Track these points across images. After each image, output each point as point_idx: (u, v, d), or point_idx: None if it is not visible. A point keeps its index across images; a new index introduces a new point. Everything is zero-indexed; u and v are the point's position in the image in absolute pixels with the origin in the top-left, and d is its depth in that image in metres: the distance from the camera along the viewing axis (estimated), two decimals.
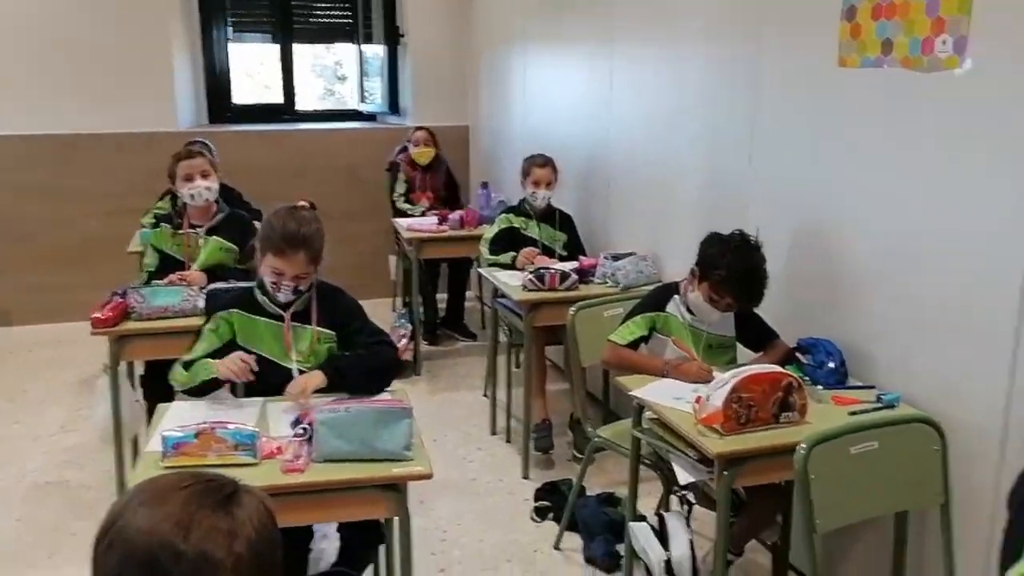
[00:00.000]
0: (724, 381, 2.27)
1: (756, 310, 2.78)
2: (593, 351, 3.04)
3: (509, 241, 4.14)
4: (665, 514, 2.43)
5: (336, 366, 2.44)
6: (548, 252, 4.14)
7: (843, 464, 2.04)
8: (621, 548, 2.80)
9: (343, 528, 2.35)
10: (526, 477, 3.68)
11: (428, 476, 2.05)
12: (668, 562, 2.28)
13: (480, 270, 4.20)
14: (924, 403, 2.37)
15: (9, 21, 5.46)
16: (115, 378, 3.21)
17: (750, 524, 2.72)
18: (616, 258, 3.78)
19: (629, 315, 2.87)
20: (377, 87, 6.72)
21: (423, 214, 5.22)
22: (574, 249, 4.20)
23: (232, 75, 6.57)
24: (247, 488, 1.04)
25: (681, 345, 2.78)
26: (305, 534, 2.30)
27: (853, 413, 2.35)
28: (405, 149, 5.57)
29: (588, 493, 3.34)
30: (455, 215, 4.89)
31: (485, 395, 4.40)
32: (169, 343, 3.00)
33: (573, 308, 3.17)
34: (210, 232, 3.60)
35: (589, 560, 3.03)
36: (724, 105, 3.27)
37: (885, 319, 2.55)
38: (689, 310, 2.80)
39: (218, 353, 2.48)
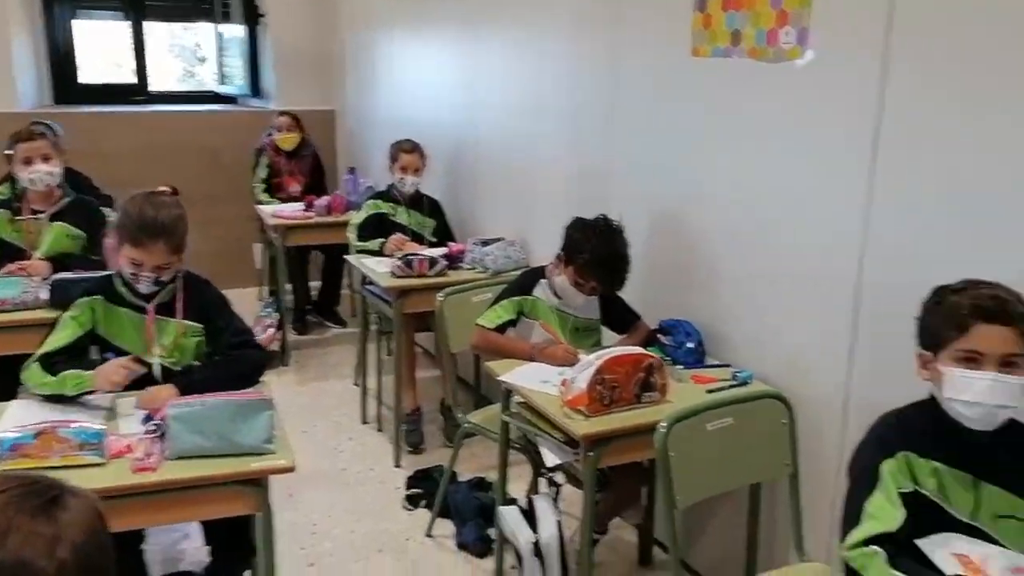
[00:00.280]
0: (588, 364, 2.31)
1: (620, 293, 2.85)
2: (463, 337, 3.04)
3: (377, 227, 4.07)
4: (534, 497, 2.46)
5: (191, 380, 2.26)
6: (417, 238, 4.10)
7: (701, 440, 2.12)
8: (493, 532, 2.82)
9: (210, 534, 2.26)
10: (398, 465, 3.65)
11: (290, 469, 1.99)
12: (536, 544, 2.30)
13: (348, 257, 4.11)
14: (775, 379, 2.49)
15: None
16: None
17: (615, 502, 2.79)
18: (485, 243, 3.79)
19: (497, 299, 2.88)
20: (238, 69, 6.46)
21: (286, 201, 5.07)
22: (443, 235, 4.18)
23: (80, 53, 6.17)
24: (74, 490, 0.98)
25: (548, 328, 2.81)
26: (133, 536, 2.18)
27: (711, 391, 2.44)
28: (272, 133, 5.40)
29: (460, 479, 3.35)
30: (322, 201, 4.78)
31: (356, 384, 4.33)
32: (8, 338, 2.80)
33: (442, 294, 3.16)
34: (54, 218, 3.37)
35: (461, 546, 3.04)
36: (586, 92, 3.32)
37: (738, 300, 2.67)
38: (556, 294, 2.83)
39: (78, 343, 2.31)
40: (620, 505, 2.82)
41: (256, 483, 2.01)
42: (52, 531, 0.92)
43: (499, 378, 2.58)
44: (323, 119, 6.13)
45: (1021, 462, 1.66)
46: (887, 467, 1.66)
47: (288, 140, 5.25)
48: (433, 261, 3.64)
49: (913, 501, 1.65)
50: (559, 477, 2.62)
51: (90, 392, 2.22)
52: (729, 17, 2.51)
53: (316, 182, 5.39)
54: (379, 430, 4.01)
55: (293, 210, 4.80)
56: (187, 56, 9.41)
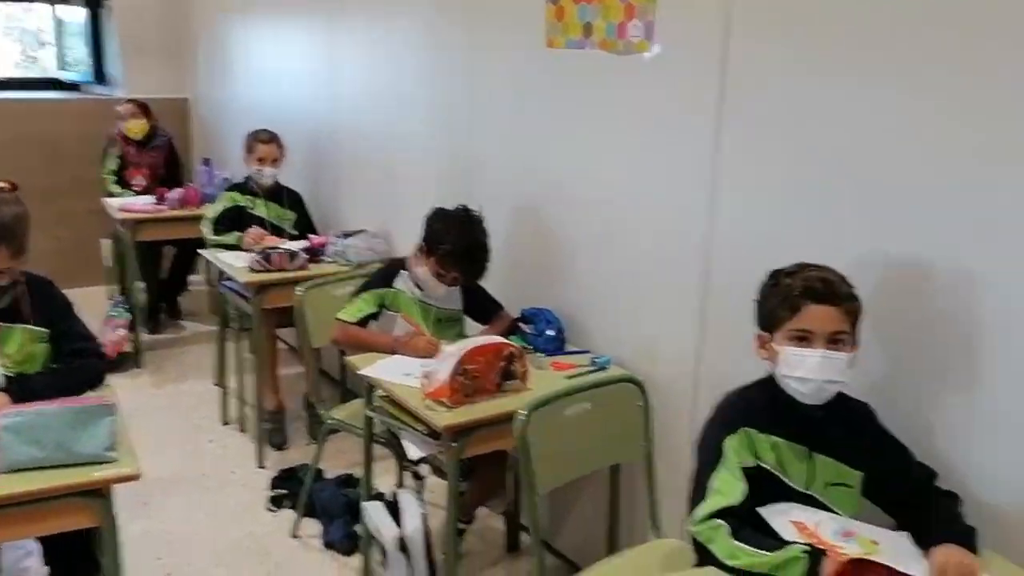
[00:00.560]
0: (450, 355, 2.31)
1: (482, 283, 2.86)
2: (325, 331, 2.97)
3: (234, 220, 3.93)
4: (398, 491, 2.44)
5: (25, 388, 2.10)
6: (277, 232, 3.98)
7: (560, 426, 2.16)
8: (361, 529, 2.79)
9: (50, 550, 2.12)
10: (262, 466, 3.55)
11: (134, 477, 1.89)
12: (401, 538, 2.29)
13: (203, 252, 3.95)
14: (631, 364, 2.57)
15: None
16: None
17: (480, 491, 2.81)
18: (347, 236, 3.73)
19: (357, 292, 2.84)
20: (81, 54, 6.08)
21: (139, 193, 4.82)
22: (304, 228, 4.07)
23: None
24: None
25: (410, 320, 2.79)
26: None
27: (570, 377, 2.49)
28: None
29: (327, 476, 3.29)
30: (174, 194, 4.57)
31: (216, 384, 4.17)
32: None
33: (301, 288, 3.08)
34: None
35: (328, 545, 2.99)
36: (445, 83, 3.31)
37: (596, 288, 2.73)
38: (417, 285, 2.82)
39: None
40: (486, 494, 2.84)
41: (98, 494, 1.91)
42: None
43: (360, 372, 2.54)
44: (175, 108, 5.86)
45: (849, 434, 1.78)
46: (730, 443, 1.74)
47: (135, 129, 4.97)
48: (293, 255, 3.55)
49: (755, 474, 1.73)
50: (424, 470, 2.62)
51: None
52: (581, 9, 2.56)
53: (171, 174, 5.15)
54: (242, 431, 3.88)
55: (144, 203, 4.57)
56: (28, 39, 8.77)
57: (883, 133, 1.86)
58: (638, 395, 2.34)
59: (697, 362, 2.36)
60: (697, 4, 2.24)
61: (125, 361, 4.44)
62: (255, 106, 4.94)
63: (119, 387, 2.29)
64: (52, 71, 6.62)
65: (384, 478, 3.03)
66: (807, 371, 1.69)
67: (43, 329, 2.24)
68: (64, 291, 2.34)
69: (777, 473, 1.76)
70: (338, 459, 3.41)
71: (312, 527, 3.10)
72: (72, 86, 6.22)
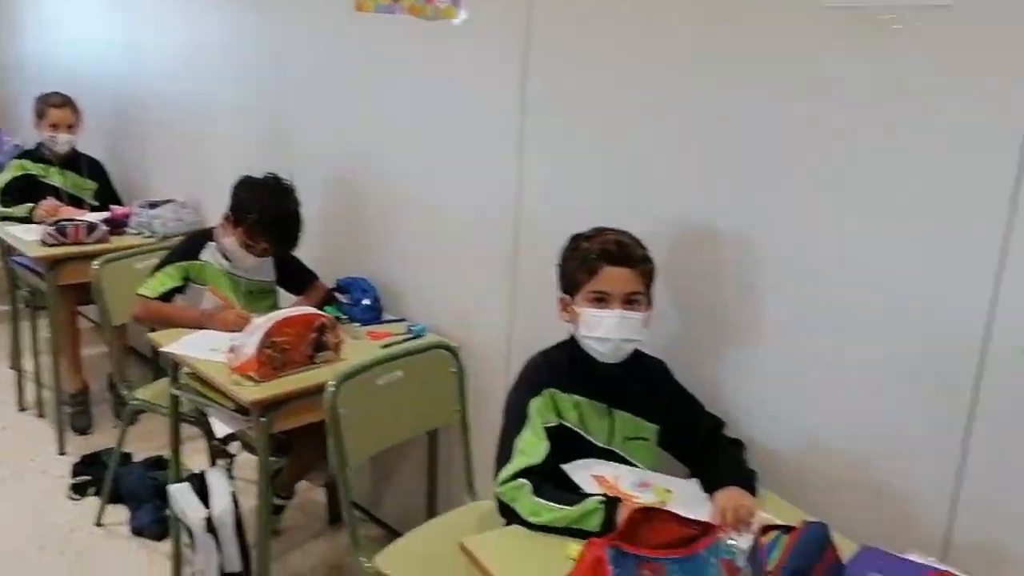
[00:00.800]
0: (256, 328, 2.24)
1: (295, 253, 2.78)
2: (127, 307, 2.80)
3: (26, 191, 3.62)
4: (206, 471, 2.35)
5: None
6: (75, 202, 3.71)
7: (371, 396, 2.13)
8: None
9: None
10: (63, 452, 3.33)
11: None
12: (209, 519, 2.20)
13: None
14: (447, 330, 2.58)
15: None
16: None
17: (298, 465, 2.76)
18: (153, 206, 3.53)
19: (159, 266, 2.69)
20: None
21: None
22: (106, 198, 3.81)
23: None
24: None
25: (218, 294, 2.68)
26: None
27: (385, 346, 2.47)
28: None
29: (135, 460, 3.13)
30: None
31: (11, 367, 3.85)
32: None
33: (97, 262, 2.89)
34: None
35: (136, 531, 2.85)
36: (255, 48, 3.17)
37: (411, 256, 2.72)
38: (225, 256, 2.70)
39: None
40: (304, 467, 2.78)
41: None
42: None
43: (163, 349, 2.42)
44: None
45: (645, 390, 1.86)
46: (534, 405, 1.78)
47: None
48: (92, 227, 3.32)
49: (558, 433, 1.78)
50: (233, 447, 2.53)
51: None
52: None
53: None
54: (40, 416, 3.62)
55: None
56: None
57: (677, 104, 1.94)
58: (452, 361, 2.35)
59: (510, 327, 2.40)
60: None
61: None
62: (52, 68, 4.56)
63: None
64: None
65: (196, 459, 2.91)
66: (605, 331, 1.75)
67: None
68: None
69: (579, 430, 1.82)
70: (146, 441, 3.24)
71: (119, 514, 2.94)
72: None
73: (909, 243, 1.59)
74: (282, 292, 2.88)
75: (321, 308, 2.67)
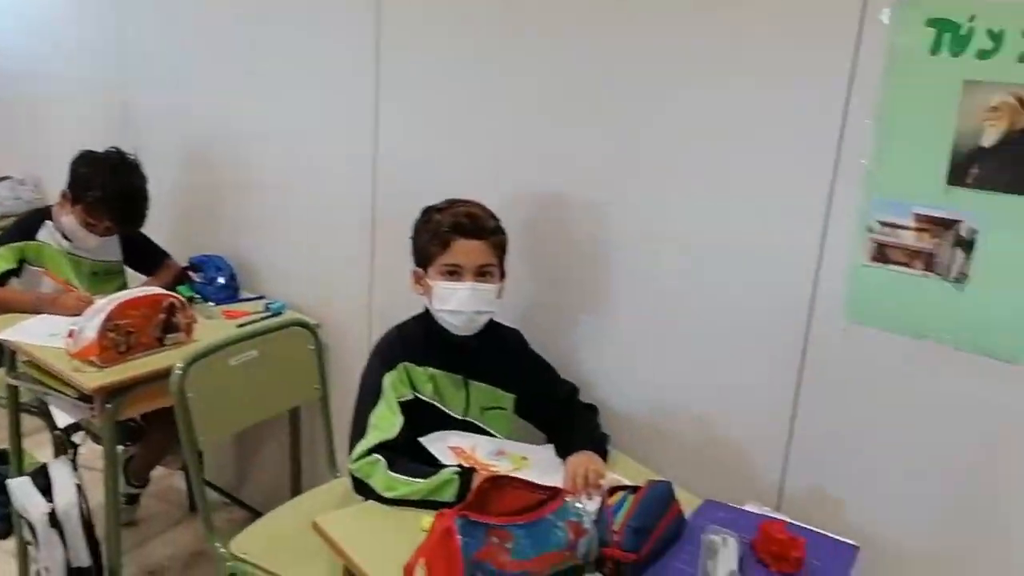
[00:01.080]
0: (97, 310, 2.13)
1: (143, 231, 2.65)
2: None
3: None
4: (49, 463, 2.22)
5: None
6: None
7: (223, 377, 2.07)
8: None
9: None
10: None
11: None
12: (52, 514, 2.09)
13: None
14: (307, 307, 2.53)
15: None
16: None
17: (150, 452, 2.66)
18: None
19: None
20: None
21: None
22: None
23: None
24: None
25: (54, 276, 2.53)
26: None
27: (241, 325, 2.40)
28: None
29: None
30: None
31: None
32: None
33: None
34: None
35: None
36: (92, 19, 3.00)
37: (269, 232, 2.64)
38: (65, 236, 2.55)
39: None
40: (158, 453, 2.68)
41: None
42: None
43: None
44: None
45: (501, 360, 1.88)
46: (388, 379, 1.77)
47: None
48: None
49: (414, 406, 1.78)
50: (78, 437, 2.41)
51: None
52: None
53: None
54: None
55: None
56: None
57: (529, 76, 1.94)
58: (310, 339, 2.30)
59: (370, 302, 2.38)
60: None
61: None
62: None
63: None
64: None
65: (45, 451, 2.75)
66: (458, 303, 1.75)
67: None
68: None
69: (435, 403, 1.82)
70: None
71: None
72: None
73: (745, 213, 1.66)
74: (134, 273, 2.75)
75: (173, 288, 2.57)
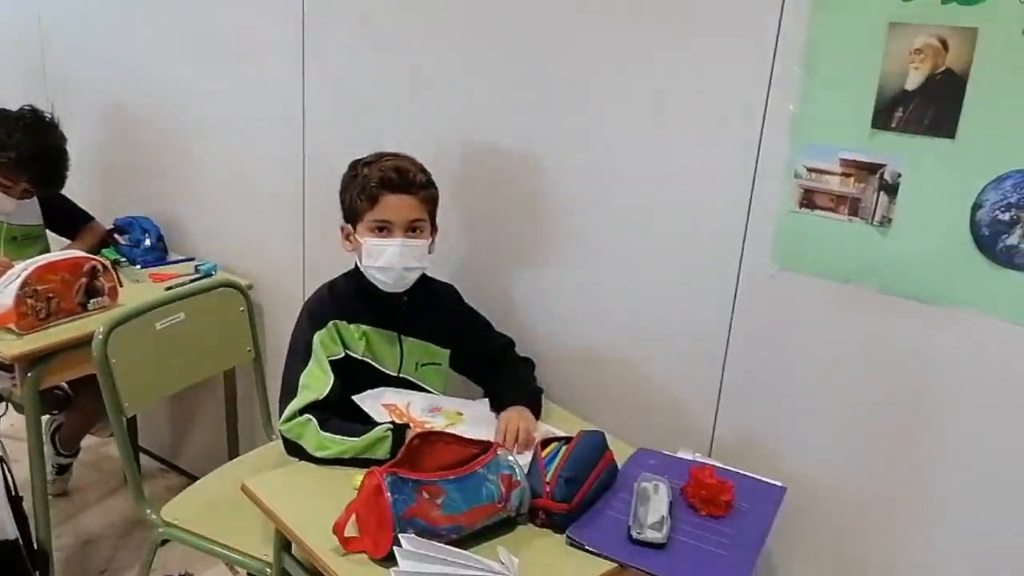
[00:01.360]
0: (13, 276, 2.05)
1: (64, 193, 2.55)
2: None
3: None
4: None
5: None
6: None
7: (149, 341, 2.00)
8: None
9: None
10: None
11: None
12: None
13: None
14: (240, 267, 2.47)
15: None
16: None
17: (79, 420, 2.59)
18: None
19: None
20: None
21: None
22: None
23: None
24: None
25: None
26: None
27: (169, 288, 2.33)
28: None
29: None
30: None
31: None
32: None
33: None
34: None
35: None
36: None
37: (197, 190, 2.57)
38: None
39: None
40: (87, 421, 2.61)
41: None
42: None
43: None
44: None
45: (435, 315, 1.85)
46: (318, 338, 1.73)
47: None
48: None
49: (346, 364, 1.74)
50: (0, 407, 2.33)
51: None
52: None
53: None
54: None
55: None
56: None
57: (460, 24, 1.89)
58: (240, 300, 2.24)
59: (303, 260, 2.33)
60: None
61: None
62: None
63: None
64: None
65: None
66: (387, 260, 1.71)
67: None
68: None
69: (368, 360, 1.79)
70: None
71: None
72: None
73: (676, 162, 1.65)
74: (58, 238, 2.65)
75: (98, 251, 2.50)
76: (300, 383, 1.70)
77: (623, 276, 1.78)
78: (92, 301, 2.18)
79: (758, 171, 1.55)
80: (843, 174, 1.48)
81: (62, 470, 2.67)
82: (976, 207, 1.36)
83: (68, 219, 2.61)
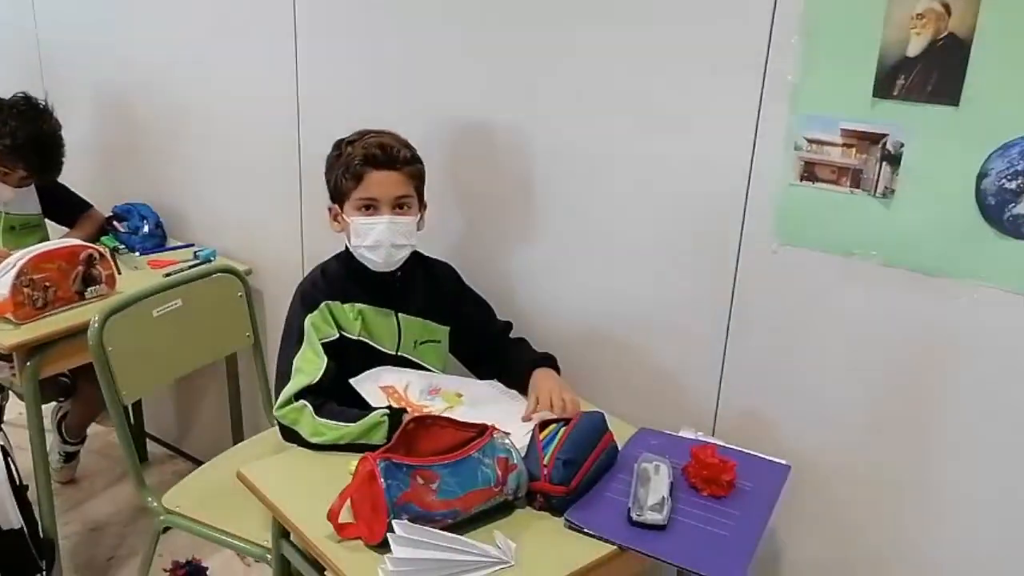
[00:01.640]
0: (9, 265, 2.03)
1: (62, 181, 2.53)
2: None
3: None
4: None
5: None
6: None
7: (147, 328, 1.99)
8: None
9: None
10: None
11: None
12: None
13: None
14: (239, 253, 2.46)
15: None
16: None
17: (84, 408, 2.59)
18: None
19: None
20: None
21: None
22: None
23: None
24: None
25: None
26: None
27: (168, 275, 2.31)
28: None
29: None
30: None
31: None
32: None
33: None
34: None
35: None
36: None
37: (196, 178, 2.55)
38: None
39: None
40: (92, 409, 2.61)
41: None
42: None
43: None
44: None
45: (432, 293, 1.82)
46: (311, 321, 1.70)
47: None
48: None
49: (341, 345, 1.72)
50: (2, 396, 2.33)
51: None
52: None
53: None
54: None
55: None
56: None
57: (450, 5, 1.86)
58: (238, 286, 2.22)
59: (302, 244, 2.31)
60: None
61: None
62: None
63: None
64: None
65: None
66: (375, 239, 1.67)
67: None
68: None
69: (365, 339, 1.75)
70: None
71: None
72: None
73: (674, 137, 1.61)
74: (57, 227, 2.64)
75: (97, 239, 2.49)
76: (294, 367, 1.68)
77: (621, 254, 1.75)
78: (90, 289, 2.16)
79: (757, 144, 1.51)
80: (844, 145, 1.44)
81: (69, 458, 2.68)
82: (981, 176, 1.32)
83: (66, 207, 2.60)
